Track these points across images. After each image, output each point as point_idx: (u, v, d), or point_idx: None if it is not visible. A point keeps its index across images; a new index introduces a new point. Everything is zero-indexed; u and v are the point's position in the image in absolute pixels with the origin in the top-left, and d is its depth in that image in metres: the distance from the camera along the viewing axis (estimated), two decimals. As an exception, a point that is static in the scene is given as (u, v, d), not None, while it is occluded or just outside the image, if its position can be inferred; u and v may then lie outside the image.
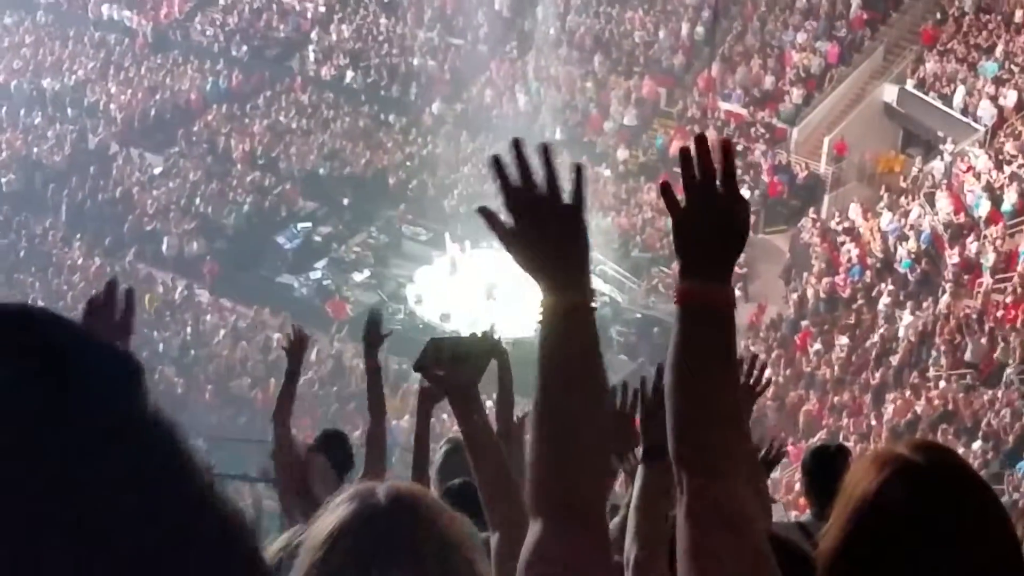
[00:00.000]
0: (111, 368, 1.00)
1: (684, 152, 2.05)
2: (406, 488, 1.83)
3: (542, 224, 2.02)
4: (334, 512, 1.75)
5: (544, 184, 2.03)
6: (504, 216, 2.07)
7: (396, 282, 31.54)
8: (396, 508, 1.75)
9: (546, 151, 2.03)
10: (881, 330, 26.55)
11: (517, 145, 2.03)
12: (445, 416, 26.86)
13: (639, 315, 30.20)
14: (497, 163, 2.04)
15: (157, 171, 36.38)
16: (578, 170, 2.04)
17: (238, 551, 1.04)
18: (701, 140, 2.08)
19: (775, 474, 22.29)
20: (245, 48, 40.47)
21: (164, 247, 33.22)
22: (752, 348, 28.05)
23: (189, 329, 30.18)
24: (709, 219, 2.03)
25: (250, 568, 1.05)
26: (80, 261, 32.53)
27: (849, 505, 2.10)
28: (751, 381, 4.62)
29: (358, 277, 31.90)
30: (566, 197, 2.04)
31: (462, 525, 1.82)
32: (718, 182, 2.05)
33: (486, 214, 2.10)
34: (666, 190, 2.16)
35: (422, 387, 6.75)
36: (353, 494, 1.79)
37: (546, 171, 2.04)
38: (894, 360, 25.29)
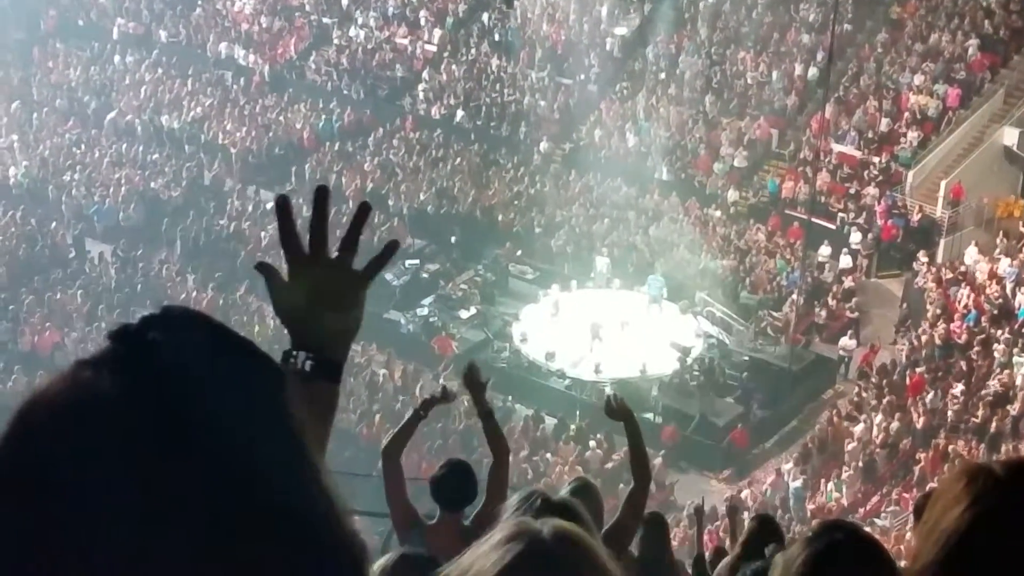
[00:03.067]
0: (240, 378, 1.08)
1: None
2: (570, 527, 1.85)
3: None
4: (497, 550, 1.75)
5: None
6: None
7: (502, 320, 31.58)
8: (562, 547, 1.76)
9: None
10: (998, 377, 26.16)
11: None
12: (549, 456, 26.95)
13: (747, 358, 29.98)
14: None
15: (270, 207, 36.92)
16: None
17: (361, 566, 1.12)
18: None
19: (883, 522, 22.00)
20: (357, 87, 41.04)
21: (276, 281, 33.67)
22: (865, 394, 27.84)
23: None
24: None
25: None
26: (194, 295, 32.92)
27: (937, 531, 2.05)
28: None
29: (464, 314, 32.02)
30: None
31: (616, 565, 1.83)
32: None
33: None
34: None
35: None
36: (515, 532, 1.80)
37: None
38: (1012, 409, 24.89)
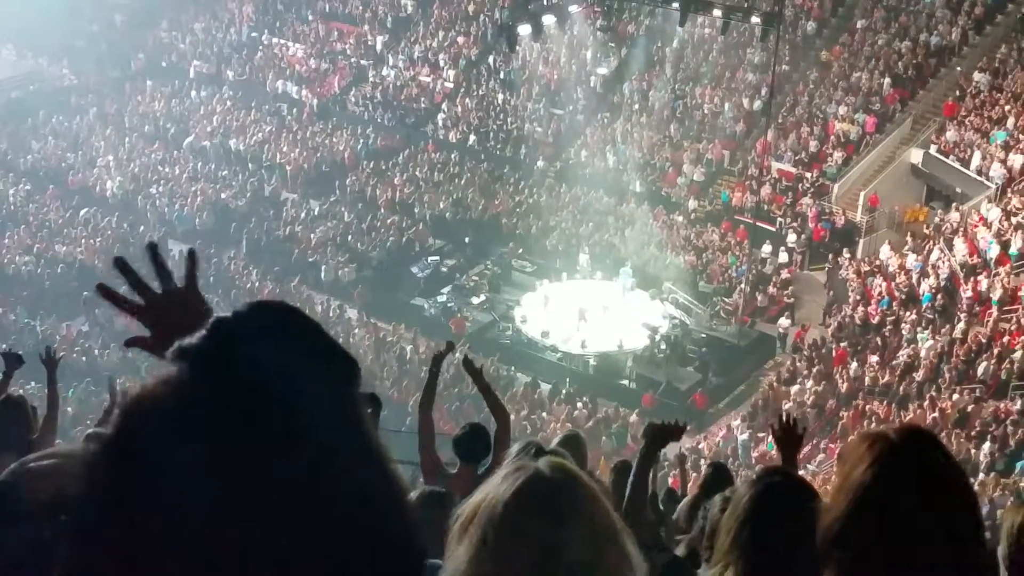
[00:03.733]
0: (319, 370, 1.03)
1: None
2: (561, 461, 1.86)
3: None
4: (506, 481, 1.76)
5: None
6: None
7: (506, 305, 31.55)
8: (557, 473, 1.77)
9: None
10: (905, 351, 26.31)
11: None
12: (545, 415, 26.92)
13: (704, 335, 30.06)
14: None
15: (317, 213, 36.98)
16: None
17: (407, 509, 1.07)
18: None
19: (813, 467, 22.08)
20: (389, 116, 41.03)
21: (322, 274, 33.74)
22: (798, 364, 27.97)
23: (341, 341, 30.45)
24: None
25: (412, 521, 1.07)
26: (256, 285, 33.06)
27: (846, 486, 2.05)
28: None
29: (475, 301, 32.04)
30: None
31: (604, 491, 1.83)
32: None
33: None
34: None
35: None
36: (518, 467, 1.80)
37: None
38: (917, 376, 25.04)
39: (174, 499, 0.93)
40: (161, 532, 0.93)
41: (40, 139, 41.56)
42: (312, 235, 35.36)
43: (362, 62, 43.22)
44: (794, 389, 26.74)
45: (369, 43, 43.69)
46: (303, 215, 36.91)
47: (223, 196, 37.93)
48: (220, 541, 0.92)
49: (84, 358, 30.61)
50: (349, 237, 35.19)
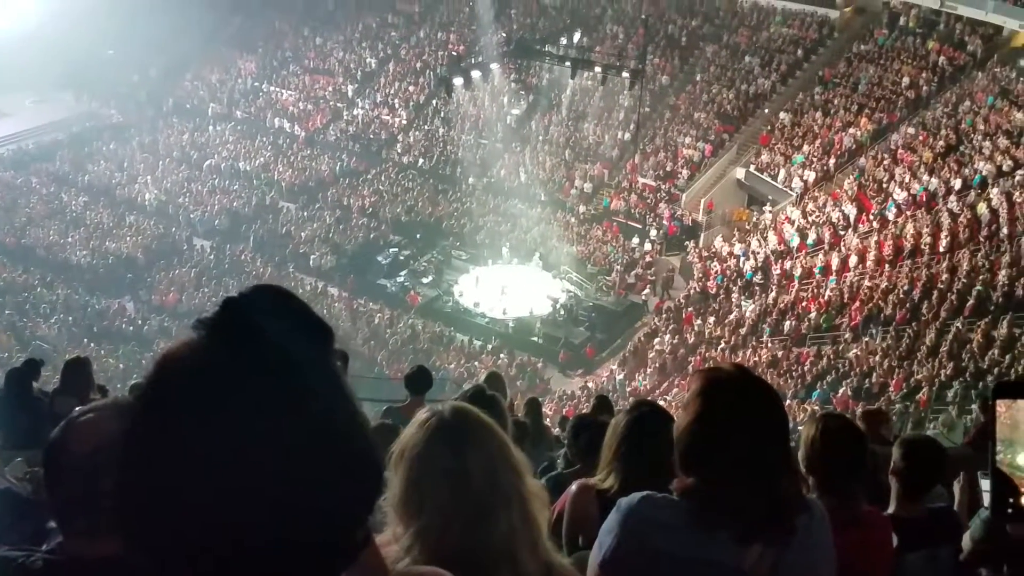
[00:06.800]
0: (303, 333, 1.01)
1: None
2: (463, 406, 1.85)
3: None
4: (419, 427, 1.74)
5: None
6: None
7: (448, 283, 31.40)
8: (456, 418, 1.75)
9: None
10: (734, 313, 26.59)
11: None
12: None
13: (591, 304, 30.18)
14: None
15: (305, 216, 36.44)
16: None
17: (368, 433, 1.05)
18: None
19: (671, 398, 22.27)
20: (358, 145, 40.47)
21: (311, 262, 33.26)
22: (658, 324, 28.14)
23: (325, 312, 30.18)
24: None
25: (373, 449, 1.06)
26: (260, 271, 32.52)
27: (691, 407, 2.01)
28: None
29: (425, 280, 31.79)
30: None
31: (493, 418, 1.82)
32: None
33: None
34: None
35: None
36: (428, 414, 1.79)
37: None
38: (742, 331, 25.33)
39: (198, 432, 0.92)
40: (187, 460, 0.92)
41: (94, 163, 40.41)
42: (302, 233, 34.80)
43: (338, 104, 42.50)
44: (655, 341, 26.97)
45: (343, 90, 42.96)
46: (294, 218, 36.33)
47: (235, 204, 37.14)
48: (233, 464, 0.92)
49: (131, 328, 29.88)
50: (330, 234, 34.69)
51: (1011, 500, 1.70)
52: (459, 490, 1.66)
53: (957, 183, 26.27)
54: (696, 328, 26.57)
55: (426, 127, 40.15)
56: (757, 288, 27.46)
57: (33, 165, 40.10)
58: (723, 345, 24.96)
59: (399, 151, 39.57)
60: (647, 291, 30.61)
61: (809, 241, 27.83)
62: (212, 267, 33.46)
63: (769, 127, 34.13)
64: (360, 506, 1.04)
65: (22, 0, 42.28)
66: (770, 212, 30.79)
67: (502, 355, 27.47)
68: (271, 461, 0.92)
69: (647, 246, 32.39)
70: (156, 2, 43.43)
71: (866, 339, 22.29)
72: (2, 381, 7.09)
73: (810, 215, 28.90)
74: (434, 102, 40.56)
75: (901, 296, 22.75)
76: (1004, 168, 25.86)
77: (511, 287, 29.74)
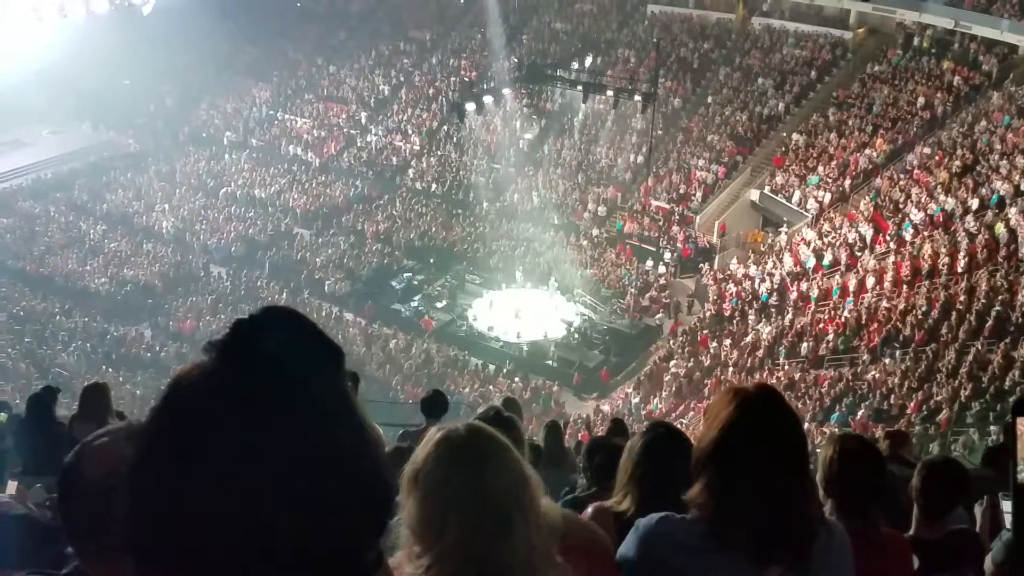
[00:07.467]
0: (313, 354, 1.01)
1: None
2: (479, 425, 1.83)
3: None
4: (435, 445, 1.71)
5: None
6: None
7: (461, 307, 31.43)
8: (470, 436, 1.73)
9: None
10: (750, 335, 26.47)
11: None
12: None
13: (606, 327, 30.11)
14: None
15: (320, 242, 36.64)
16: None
17: (380, 453, 1.05)
18: None
19: (687, 421, 22.15)
20: (372, 171, 40.72)
21: (325, 288, 33.40)
22: (674, 347, 28.04)
23: (339, 337, 30.23)
24: None
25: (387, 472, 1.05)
26: (275, 297, 32.64)
27: (715, 423, 2.02)
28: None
29: (439, 305, 31.86)
30: None
31: (509, 440, 1.80)
32: None
33: None
34: None
35: None
36: (443, 433, 1.78)
37: None
38: (759, 353, 25.20)
39: (207, 452, 0.92)
40: (197, 477, 0.92)
41: (112, 191, 40.92)
42: (317, 259, 35.01)
43: (352, 131, 42.88)
44: (671, 364, 26.89)
45: (356, 118, 43.37)
46: (309, 245, 36.53)
47: (250, 231, 37.43)
48: (244, 481, 0.92)
49: (148, 354, 30.04)
50: (345, 260, 34.87)
51: None
52: (479, 508, 1.64)
53: (974, 203, 26.13)
54: (712, 351, 26.44)
55: (439, 152, 40.41)
56: (773, 310, 27.33)
57: (52, 194, 40.66)
58: (732, 369, 24.75)
59: (412, 177, 39.81)
60: (661, 314, 30.50)
61: (825, 262, 27.72)
62: (228, 293, 33.66)
63: (783, 148, 34.14)
64: (370, 527, 1.03)
65: (40, 32, 43.07)
66: (786, 233, 30.74)
67: (516, 379, 27.40)
68: (278, 482, 0.92)
69: (661, 269, 32.35)
70: (171, 33, 44.13)
71: (884, 361, 22.10)
72: (23, 408, 7.16)
73: (826, 236, 28.80)
74: (447, 128, 40.86)
75: (919, 317, 22.57)
76: (1022, 188, 25.71)
77: (525, 311, 29.72)
